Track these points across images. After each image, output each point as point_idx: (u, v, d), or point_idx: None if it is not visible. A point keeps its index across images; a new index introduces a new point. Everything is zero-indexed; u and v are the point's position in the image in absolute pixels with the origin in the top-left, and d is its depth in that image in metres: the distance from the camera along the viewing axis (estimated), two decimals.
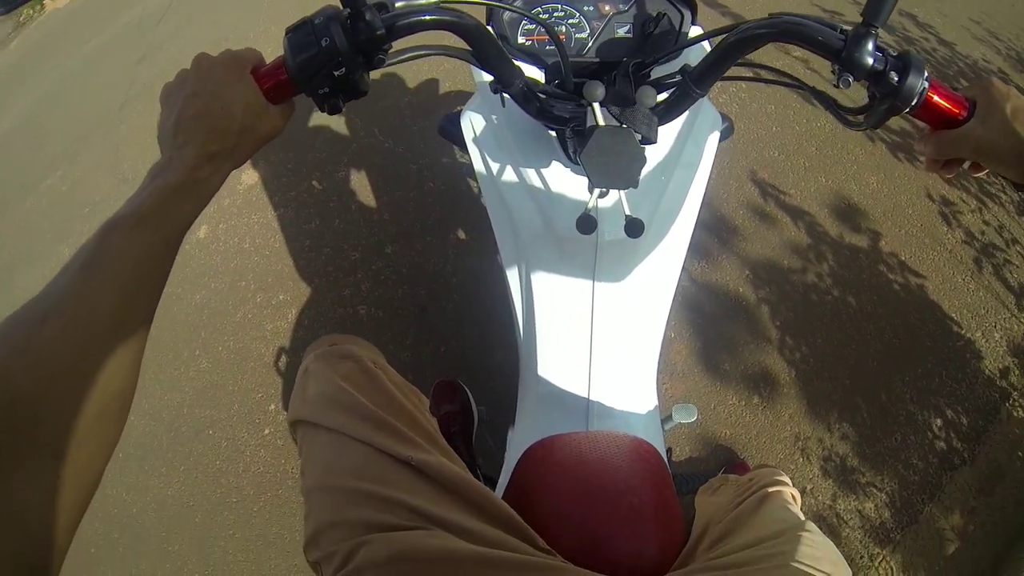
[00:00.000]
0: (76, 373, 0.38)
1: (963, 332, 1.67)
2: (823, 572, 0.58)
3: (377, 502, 0.61)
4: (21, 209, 2.47)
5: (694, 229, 0.81)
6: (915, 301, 1.72)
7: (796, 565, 0.58)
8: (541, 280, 0.77)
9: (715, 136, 0.83)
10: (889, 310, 1.70)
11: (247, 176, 2.17)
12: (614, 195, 0.69)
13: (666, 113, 0.63)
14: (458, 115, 0.86)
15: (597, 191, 0.60)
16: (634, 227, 0.59)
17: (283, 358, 1.74)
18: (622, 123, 0.57)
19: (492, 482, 0.87)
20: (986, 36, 2.69)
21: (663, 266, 0.79)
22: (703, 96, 0.61)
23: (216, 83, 0.49)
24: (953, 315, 1.70)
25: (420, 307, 1.75)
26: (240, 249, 1.99)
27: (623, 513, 0.66)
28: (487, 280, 1.75)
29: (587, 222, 0.60)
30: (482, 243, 1.83)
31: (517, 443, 0.78)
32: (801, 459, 1.49)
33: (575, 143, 0.64)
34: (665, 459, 0.77)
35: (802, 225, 1.83)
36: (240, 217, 2.07)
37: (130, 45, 3.07)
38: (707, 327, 1.66)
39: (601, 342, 0.75)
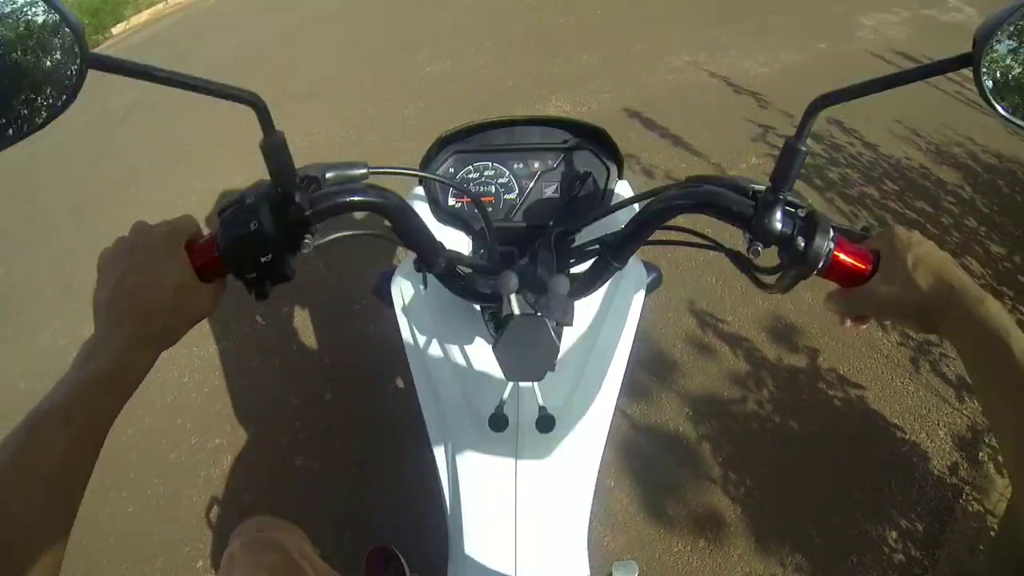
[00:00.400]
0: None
1: (907, 436, 1.68)
2: None
3: None
4: None
5: (623, 384, 0.79)
6: (857, 414, 1.73)
7: None
8: (466, 459, 0.76)
9: (640, 294, 0.82)
10: (832, 428, 1.70)
11: None
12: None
13: (584, 288, 0.63)
14: (391, 275, 0.85)
15: (511, 384, 0.59)
16: (545, 423, 0.60)
17: (215, 509, 1.67)
18: (537, 311, 0.57)
19: None
20: (908, 134, 2.86)
21: (589, 434, 0.77)
22: (620, 268, 0.61)
23: (151, 258, 0.49)
24: (896, 420, 1.71)
25: (357, 462, 1.71)
26: (179, 383, 1.94)
27: None
28: (424, 435, 1.71)
29: (498, 421, 0.60)
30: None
31: None
32: None
33: (492, 328, 0.64)
34: None
35: (740, 352, 1.86)
36: (181, 348, 2.00)
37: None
38: (647, 471, 1.64)
39: (526, 522, 0.73)
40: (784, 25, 4.76)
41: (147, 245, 0.50)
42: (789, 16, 5.02)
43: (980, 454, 1.63)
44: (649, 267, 0.88)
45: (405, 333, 0.79)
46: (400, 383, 1.86)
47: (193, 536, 1.63)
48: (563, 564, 0.75)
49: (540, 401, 0.60)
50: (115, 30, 6.60)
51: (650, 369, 1.82)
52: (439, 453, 0.80)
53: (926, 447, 1.65)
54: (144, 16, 6.89)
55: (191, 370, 1.97)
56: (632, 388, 1.74)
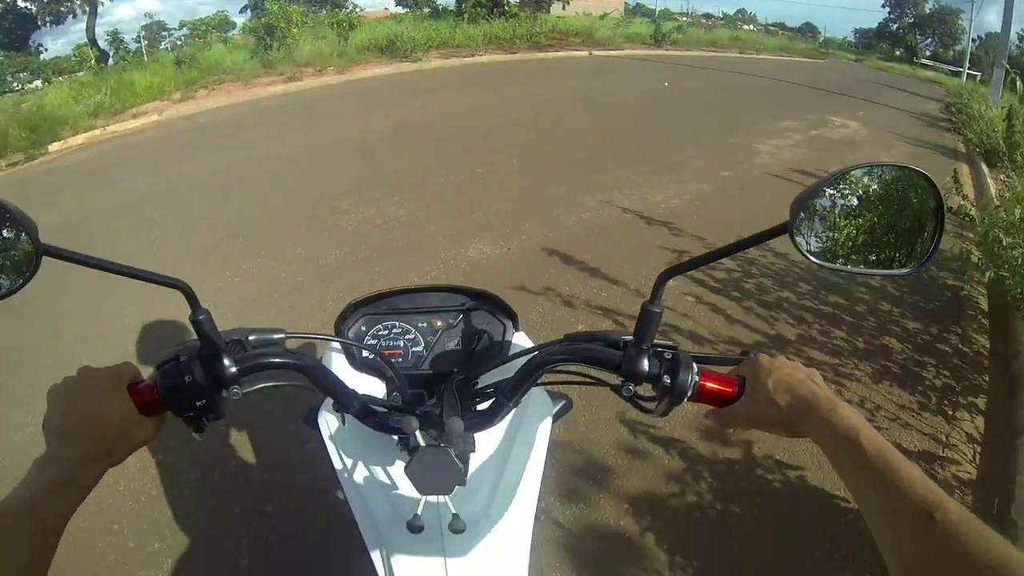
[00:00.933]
0: None
1: (852, 505, 1.67)
2: None
3: None
4: None
5: (538, 502, 0.84)
6: (797, 493, 1.77)
7: None
8: (398, 560, 0.78)
9: (547, 422, 0.89)
10: (774, 509, 1.74)
11: None
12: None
13: (484, 423, 0.71)
14: (319, 408, 0.90)
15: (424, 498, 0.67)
16: (456, 525, 0.67)
17: None
18: (440, 443, 0.65)
19: None
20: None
21: (511, 537, 0.81)
22: (514, 408, 0.70)
23: (96, 394, 0.56)
24: (837, 492, 1.74)
25: (301, 565, 1.62)
26: (115, 491, 1.81)
27: None
28: (360, 540, 1.65)
29: (415, 526, 0.67)
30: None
31: None
32: None
33: (406, 454, 0.71)
34: None
35: (675, 452, 1.92)
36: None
37: None
38: (592, 568, 1.58)
39: None
40: (687, 160, 5.43)
41: (93, 384, 0.57)
42: (691, 152, 5.75)
43: None
44: (557, 397, 0.96)
45: (334, 457, 0.85)
46: (340, 494, 1.78)
47: None
48: None
49: (452, 509, 0.68)
50: (52, 147, 6.68)
51: (585, 475, 1.84)
52: (375, 556, 0.83)
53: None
54: (80, 139, 7.08)
55: (127, 479, 1.84)
56: (564, 495, 1.77)
